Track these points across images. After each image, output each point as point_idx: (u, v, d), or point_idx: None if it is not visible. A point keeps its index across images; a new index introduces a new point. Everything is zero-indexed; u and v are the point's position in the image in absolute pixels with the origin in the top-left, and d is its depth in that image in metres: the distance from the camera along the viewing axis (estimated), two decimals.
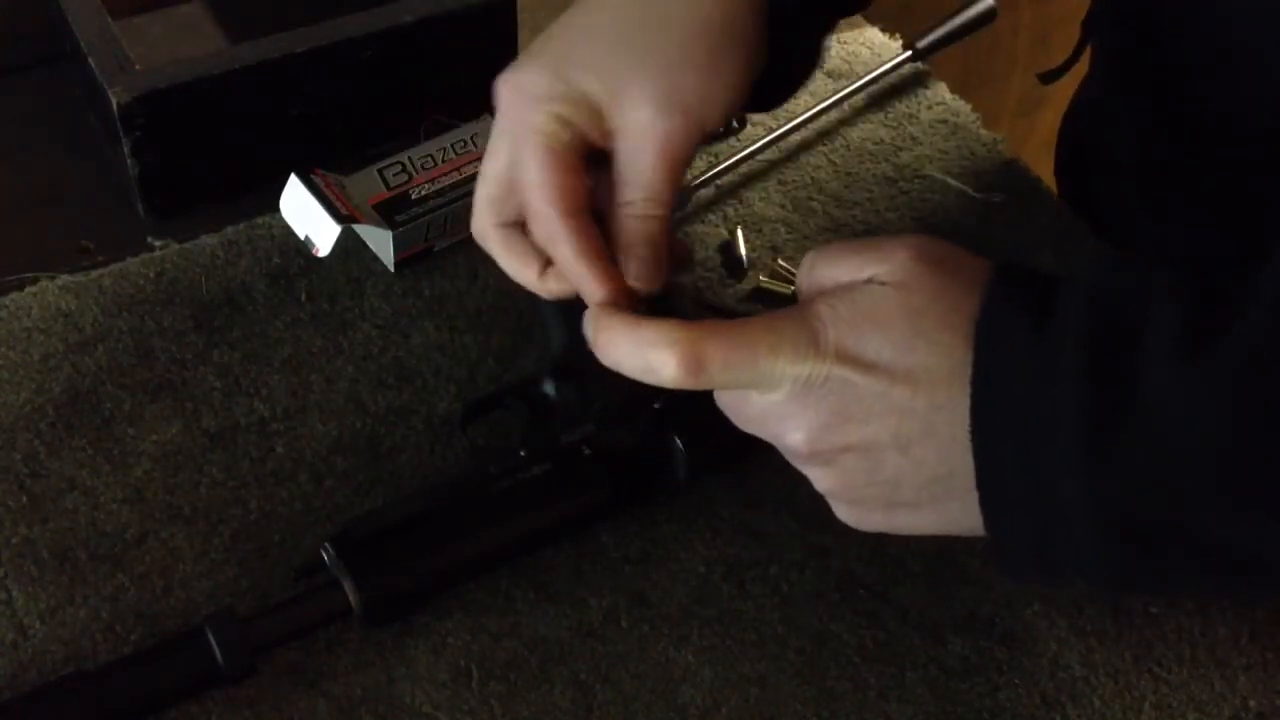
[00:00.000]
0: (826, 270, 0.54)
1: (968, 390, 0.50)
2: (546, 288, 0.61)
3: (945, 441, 0.51)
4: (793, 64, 0.66)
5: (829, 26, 0.68)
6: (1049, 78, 0.90)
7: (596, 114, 0.58)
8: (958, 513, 0.52)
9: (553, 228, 0.58)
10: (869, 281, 0.52)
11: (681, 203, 0.84)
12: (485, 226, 0.62)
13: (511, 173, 0.59)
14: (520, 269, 0.62)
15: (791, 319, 0.53)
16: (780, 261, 0.81)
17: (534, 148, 0.58)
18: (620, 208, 0.59)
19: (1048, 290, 0.50)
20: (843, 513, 0.56)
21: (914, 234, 0.54)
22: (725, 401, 0.57)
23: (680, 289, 0.77)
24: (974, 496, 0.51)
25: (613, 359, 0.55)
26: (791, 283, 0.79)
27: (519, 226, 0.61)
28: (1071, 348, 0.48)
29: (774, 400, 0.53)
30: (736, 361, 0.52)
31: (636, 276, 0.58)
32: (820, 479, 0.55)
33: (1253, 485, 0.47)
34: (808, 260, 0.56)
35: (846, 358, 0.51)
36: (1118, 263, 0.52)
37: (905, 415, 0.51)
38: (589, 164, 0.59)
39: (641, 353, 0.53)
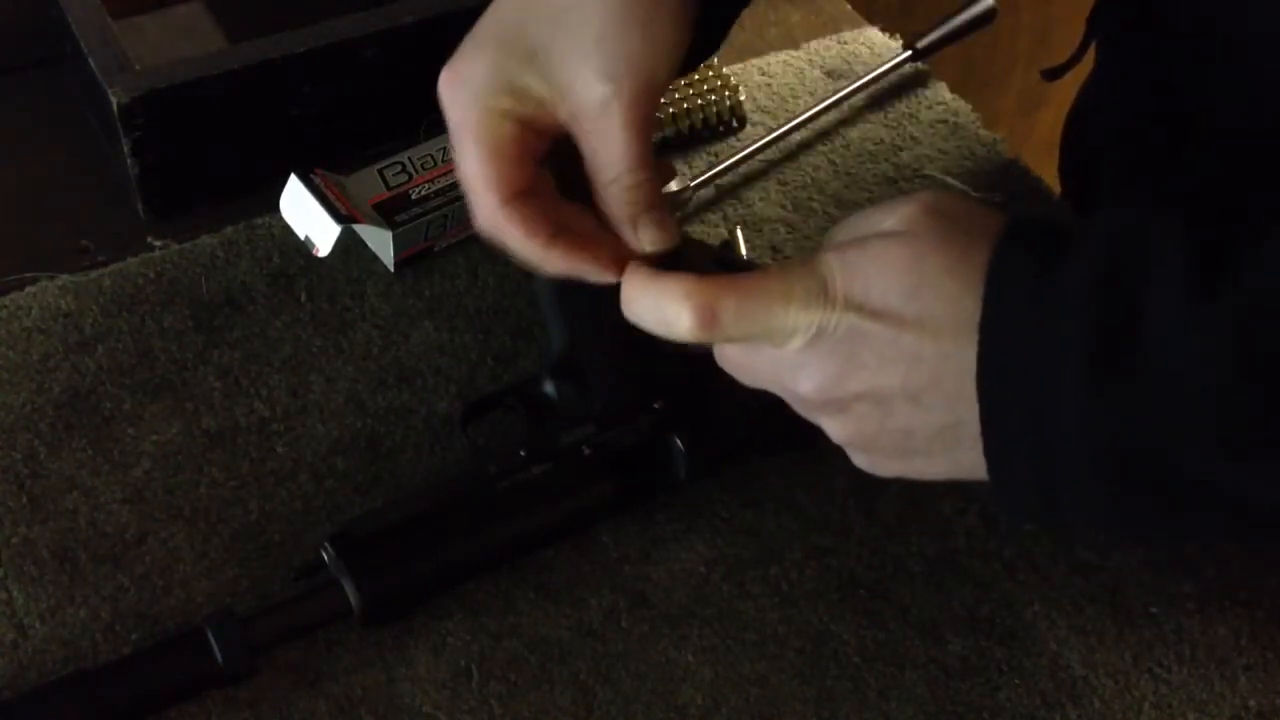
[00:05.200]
0: (843, 233, 0.55)
1: (975, 339, 0.50)
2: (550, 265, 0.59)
3: (953, 391, 0.51)
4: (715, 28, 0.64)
5: None
6: (1052, 75, 0.90)
7: (542, 104, 0.57)
8: (970, 460, 0.52)
9: (495, 218, 0.57)
10: (879, 235, 0.53)
11: (682, 203, 0.84)
12: (493, 206, 0.59)
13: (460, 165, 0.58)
14: (531, 247, 0.59)
15: (802, 268, 0.53)
16: None
17: (471, 141, 0.58)
18: (606, 188, 0.58)
19: (1062, 237, 0.50)
20: (860, 460, 0.57)
21: (929, 189, 0.54)
22: (735, 359, 0.56)
23: (700, 246, 0.77)
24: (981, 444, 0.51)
25: (634, 314, 0.55)
26: None
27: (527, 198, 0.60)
28: (1079, 287, 0.48)
29: (787, 351, 0.53)
30: (750, 311, 0.53)
31: (652, 241, 0.58)
32: (834, 428, 0.56)
33: (1251, 430, 0.47)
34: (830, 233, 0.56)
35: (854, 304, 0.52)
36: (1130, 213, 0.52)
37: (914, 363, 0.51)
38: (565, 151, 0.59)
39: (658, 306, 0.54)
